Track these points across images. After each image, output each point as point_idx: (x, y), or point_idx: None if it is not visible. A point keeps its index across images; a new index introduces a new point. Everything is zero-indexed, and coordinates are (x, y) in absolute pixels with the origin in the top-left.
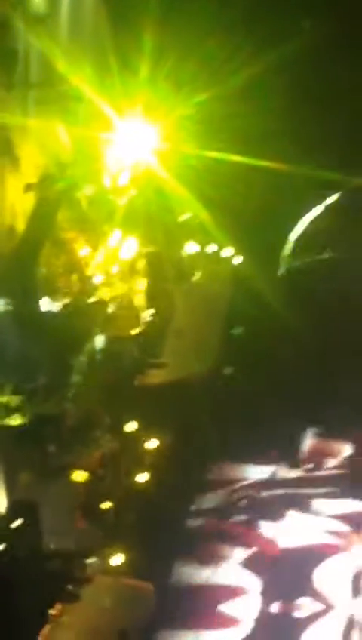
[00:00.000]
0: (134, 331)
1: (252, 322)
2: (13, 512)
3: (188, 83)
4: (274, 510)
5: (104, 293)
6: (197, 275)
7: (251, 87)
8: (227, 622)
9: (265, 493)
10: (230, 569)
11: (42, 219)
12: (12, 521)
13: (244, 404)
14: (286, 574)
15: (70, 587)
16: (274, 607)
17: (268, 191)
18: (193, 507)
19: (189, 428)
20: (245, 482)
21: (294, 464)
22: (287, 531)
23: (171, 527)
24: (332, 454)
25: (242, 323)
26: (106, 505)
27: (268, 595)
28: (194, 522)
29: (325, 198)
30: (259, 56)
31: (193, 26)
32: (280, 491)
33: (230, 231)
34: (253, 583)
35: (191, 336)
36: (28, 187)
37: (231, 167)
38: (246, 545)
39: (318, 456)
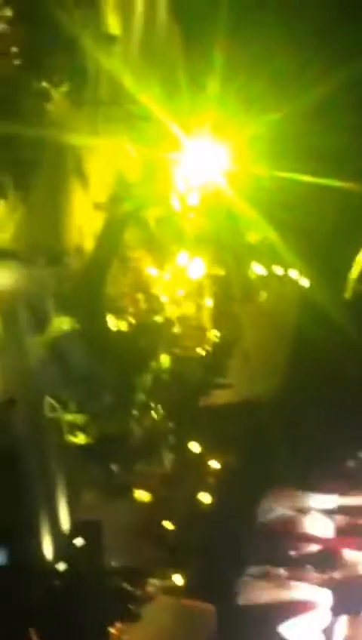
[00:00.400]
0: (200, 351)
1: (318, 345)
2: (76, 530)
3: (259, 100)
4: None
5: (170, 313)
6: (263, 297)
7: (324, 103)
8: None
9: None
10: (295, 588)
11: (110, 238)
12: (75, 539)
13: (310, 427)
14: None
15: (131, 606)
16: (342, 623)
17: (340, 212)
18: (255, 529)
19: (254, 450)
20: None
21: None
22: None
23: (233, 549)
24: None
25: (308, 345)
26: (169, 525)
27: (336, 612)
28: (256, 544)
29: None
30: (333, 72)
31: (264, 42)
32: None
33: (298, 253)
34: (320, 601)
35: (257, 358)
36: (97, 206)
37: (302, 188)
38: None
39: None
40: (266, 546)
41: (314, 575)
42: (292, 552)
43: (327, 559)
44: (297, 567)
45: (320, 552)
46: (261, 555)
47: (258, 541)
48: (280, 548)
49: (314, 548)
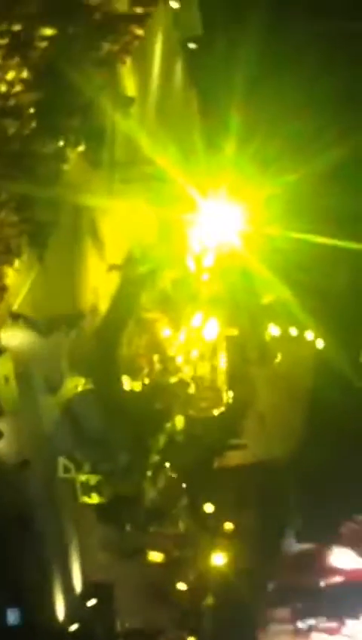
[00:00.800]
0: (215, 412)
1: (334, 406)
2: (88, 591)
3: (274, 163)
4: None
5: (185, 374)
6: (278, 358)
7: (340, 166)
8: None
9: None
10: None
11: (125, 299)
12: (88, 600)
13: (327, 487)
14: None
15: None
16: None
17: (355, 273)
18: (270, 591)
19: (269, 510)
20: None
21: None
22: None
23: (247, 611)
24: None
25: (324, 407)
26: (182, 586)
27: None
28: (271, 606)
29: None
30: (348, 135)
31: (281, 105)
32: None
33: (313, 314)
34: None
35: (272, 419)
36: (112, 268)
37: (317, 249)
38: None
39: None
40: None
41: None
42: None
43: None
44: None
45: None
46: (275, 615)
47: (271, 601)
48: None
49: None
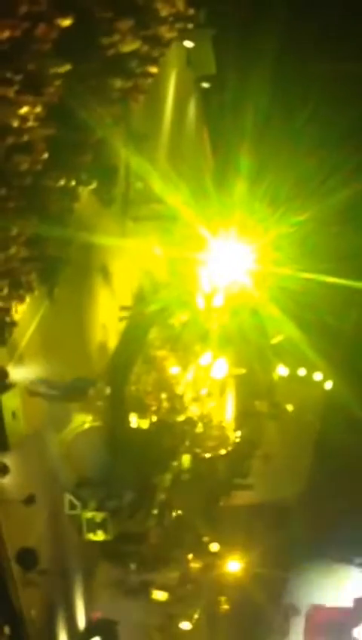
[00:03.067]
0: (221, 451)
1: (342, 447)
2: (92, 628)
3: (284, 203)
4: None
5: (193, 412)
6: (290, 409)
7: (348, 206)
8: None
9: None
10: None
11: (134, 337)
12: (91, 637)
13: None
14: None
15: None
16: None
17: None
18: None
19: (274, 550)
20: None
21: None
22: None
23: None
24: None
25: (331, 447)
26: (186, 625)
27: None
28: None
29: None
30: (357, 176)
31: (290, 146)
32: None
33: (322, 354)
34: None
35: (279, 459)
36: (123, 309)
37: (326, 289)
38: None
39: None
40: None
41: None
42: None
43: None
44: None
45: None
46: None
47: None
48: None
49: None
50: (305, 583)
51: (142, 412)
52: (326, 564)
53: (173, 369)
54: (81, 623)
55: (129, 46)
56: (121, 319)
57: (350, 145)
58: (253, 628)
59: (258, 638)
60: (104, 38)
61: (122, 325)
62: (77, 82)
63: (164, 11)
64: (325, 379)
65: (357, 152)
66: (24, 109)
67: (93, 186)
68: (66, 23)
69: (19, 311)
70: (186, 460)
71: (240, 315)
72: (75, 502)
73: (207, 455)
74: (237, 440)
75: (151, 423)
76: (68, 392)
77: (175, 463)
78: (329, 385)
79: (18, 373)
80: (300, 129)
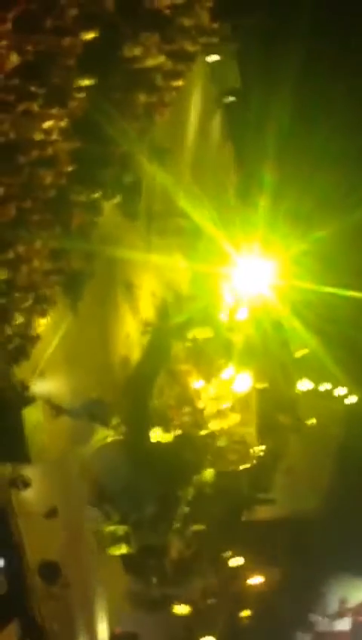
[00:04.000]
0: (244, 466)
1: None
2: None
3: (306, 219)
4: None
5: (215, 427)
6: (313, 421)
7: None
8: None
9: None
10: None
11: (157, 351)
12: None
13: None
14: None
15: None
16: None
17: None
18: None
19: (297, 566)
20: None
21: None
22: None
23: None
24: None
25: (354, 462)
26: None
27: None
28: None
29: None
30: None
31: (313, 161)
32: None
33: (346, 368)
34: None
35: (301, 473)
36: (147, 326)
37: (350, 303)
38: None
39: None
40: None
41: None
42: None
43: None
44: None
45: None
46: None
47: None
48: None
49: None
50: (329, 598)
51: (165, 426)
52: (351, 579)
53: (195, 383)
54: (103, 637)
55: (153, 60)
56: (143, 333)
57: None
58: None
59: None
60: (128, 52)
61: (145, 339)
62: (101, 96)
63: (188, 25)
64: (348, 393)
65: None
66: (48, 123)
67: (117, 199)
68: (90, 36)
69: (42, 324)
70: (209, 473)
71: (263, 328)
72: (97, 515)
73: (230, 469)
74: (260, 454)
75: (174, 437)
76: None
77: (197, 477)
78: (352, 399)
79: (40, 387)
80: (322, 144)
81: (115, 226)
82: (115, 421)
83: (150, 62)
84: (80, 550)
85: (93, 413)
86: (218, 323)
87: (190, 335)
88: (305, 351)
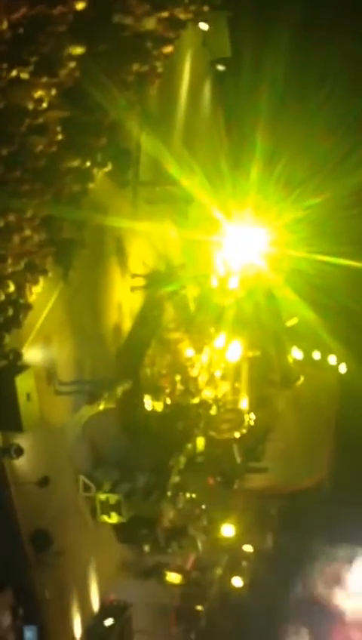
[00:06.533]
0: (236, 434)
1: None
2: (105, 610)
3: (298, 186)
4: None
5: (207, 395)
6: (301, 380)
7: None
8: None
9: None
10: None
11: (149, 319)
12: (104, 619)
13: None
14: None
15: None
16: None
17: None
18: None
19: (289, 535)
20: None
21: None
22: None
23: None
24: None
25: (347, 430)
26: (199, 608)
27: None
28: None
29: None
30: None
31: (306, 128)
32: None
33: (338, 337)
34: None
35: (294, 443)
36: (134, 289)
37: (341, 271)
38: None
39: None
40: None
41: None
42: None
43: None
44: None
45: None
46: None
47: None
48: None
49: None
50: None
51: (157, 394)
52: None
53: (187, 351)
54: (95, 604)
55: (144, 27)
56: (132, 289)
57: None
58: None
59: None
60: (119, 20)
61: (137, 306)
62: (92, 64)
63: None
64: (340, 362)
65: None
66: (39, 92)
67: (108, 168)
68: (82, 4)
69: (34, 293)
70: (200, 442)
71: (255, 297)
72: (89, 484)
73: (221, 438)
74: (252, 423)
75: (166, 406)
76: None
77: (189, 446)
78: (343, 368)
79: (33, 355)
80: (316, 111)
81: (106, 194)
82: (107, 390)
83: (141, 29)
84: (72, 519)
85: (87, 381)
86: (209, 291)
87: (182, 303)
88: (296, 320)
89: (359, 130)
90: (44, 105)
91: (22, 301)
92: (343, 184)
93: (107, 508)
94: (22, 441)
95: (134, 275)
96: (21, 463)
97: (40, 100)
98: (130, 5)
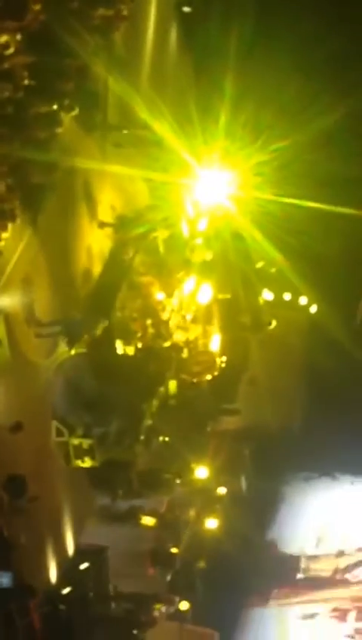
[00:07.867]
0: (208, 376)
1: (327, 370)
2: (81, 555)
3: (266, 130)
4: None
5: (178, 338)
6: (273, 324)
7: (331, 132)
8: None
9: None
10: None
11: (118, 263)
12: (80, 563)
13: (319, 453)
14: None
15: (135, 631)
16: None
17: (347, 238)
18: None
19: (261, 476)
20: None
21: None
22: None
23: (238, 576)
24: None
25: (316, 371)
26: (174, 550)
27: None
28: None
29: None
30: (340, 102)
31: (274, 72)
32: None
33: (307, 278)
34: None
35: (265, 384)
36: (101, 225)
37: (309, 214)
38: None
39: None
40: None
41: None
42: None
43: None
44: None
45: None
46: (266, 581)
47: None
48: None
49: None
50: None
51: (128, 338)
52: (314, 484)
53: (158, 295)
54: (70, 549)
55: None
56: (100, 225)
57: (333, 70)
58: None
59: (244, 562)
60: None
61: (106, 250)
62: (58, 8)
63: None
64: (310, 303)
65: (339, 79)
66: (4, 37)
67: (76, 112)
68: None
69: (3, 239)
70: (173, 385)
71: (223, 239)
72: (62, 429)
73: (194, 380)
74: (223, 365)
75: (137, 350)
76: (70, 333)
77: (161, 389)
78: (313, 309)
79: (3, 301)
80: (284, 54)
81: (74, 138)
82: (87, 331)
83: None
84: (46, 464)
85: (58, 326)
86: (179, 234)
87: (151, 246)
88: (265, 262)
89: (326, 74)
90: (10, 50)
91: None
92: (309, 129)
93: (80, 452)
94: None
95: (102, 223)
96: None
97: (5, 46)
98: None
